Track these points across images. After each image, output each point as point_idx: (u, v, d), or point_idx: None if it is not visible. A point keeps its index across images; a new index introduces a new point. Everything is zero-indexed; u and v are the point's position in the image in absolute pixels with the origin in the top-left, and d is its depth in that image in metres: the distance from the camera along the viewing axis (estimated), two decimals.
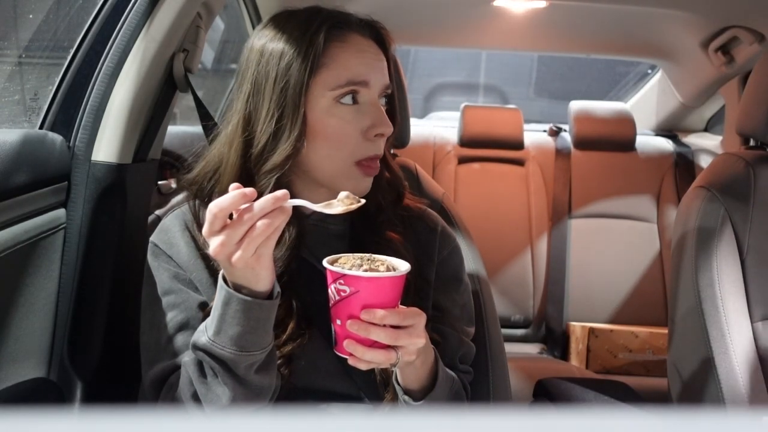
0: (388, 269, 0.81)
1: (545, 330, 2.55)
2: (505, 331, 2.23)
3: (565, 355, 2.45)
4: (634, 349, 2.28)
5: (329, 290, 0.82)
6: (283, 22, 0.95)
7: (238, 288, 0.81)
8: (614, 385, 1.34)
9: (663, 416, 0.27)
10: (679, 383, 1.20)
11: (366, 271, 0.79)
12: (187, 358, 0.88)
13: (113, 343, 1.19)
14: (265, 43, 0.94)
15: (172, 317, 0.94)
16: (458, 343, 1.05)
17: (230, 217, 0.77)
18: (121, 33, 1.16)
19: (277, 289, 0.84)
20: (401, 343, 0.80)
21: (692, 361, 1.15)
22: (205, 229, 0.78)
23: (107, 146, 1.15)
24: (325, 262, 0.82)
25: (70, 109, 1.17)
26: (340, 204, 0.83)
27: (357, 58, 0.93)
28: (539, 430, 0.28)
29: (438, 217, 1.13)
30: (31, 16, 1.42)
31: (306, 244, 0.99)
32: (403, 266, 0.83)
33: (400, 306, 0.83)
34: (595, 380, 1.45)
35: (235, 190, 0.76)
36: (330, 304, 0.82)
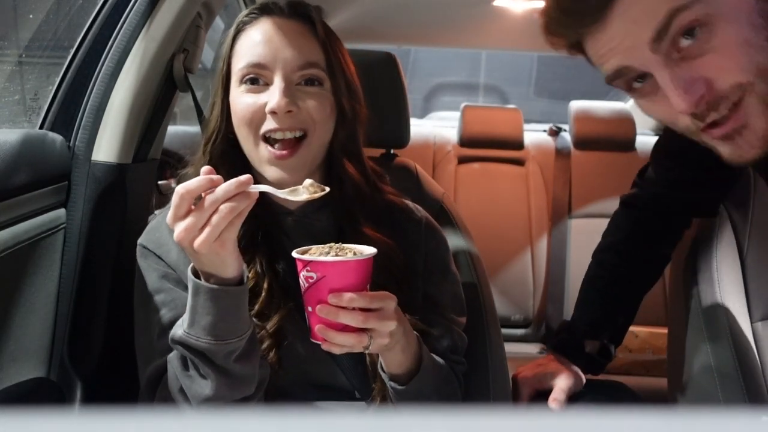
0: (356, 255, 0.82)
1: (545, 330, 2.55)
2: (505, 331, 2.22)
3: None
4: (634, 349, 2.28)
5: (300, 279, 0.83)
6: None
7: (207, 277, 0.82)
8: (614, 385, 1.34)
9: (663, 416, 0.27)
10: (679, 383, 1.20)
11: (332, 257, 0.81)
12: (171, 354, 0.89)
13: (113, 343, 1.19)
14: None
15: (162, 316, 0.95)
16: (448, 333, 1.06)
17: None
18: (121, 33, 1.16)
19: (246, 274, 0.84)
20: (371, 325, 0.81)
21: (692, 361, 1.15)
22: (170, 215, 0.78)
23: (107, 146, 1.15)
24: (294, 253, 0.83)
25: (70, 109, 1.17)
26: (305, 191, 0.84)
27: (255, 43, 0.97)
28: (539, 430, 0.28)
29: (422, 210, 1.14)
30: (31, 16, 1.42)
31: (293, 240, 1.00)
32: (368, 250, 0.84)
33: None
34: (595, 380, 1.45)
35: (205, 175, 0.78)
36: (302, 293, 0.84)
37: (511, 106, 2.90)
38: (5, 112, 1.37)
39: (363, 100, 1.04)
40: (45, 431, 0.27)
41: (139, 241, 1.02)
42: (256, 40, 0.97)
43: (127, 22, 1.16)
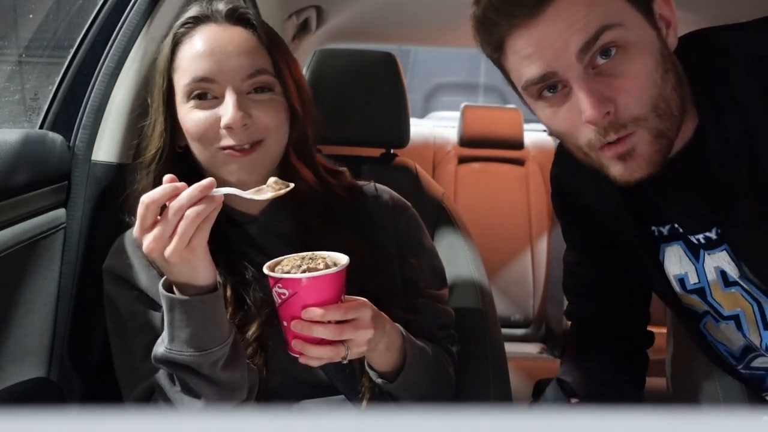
0: (327, 266, 0.81)
1: (545, 330, 2.55)
2: (505, 331, 2.23)
3: None
4: None
5: (273, 294, 0.82)
6: None
7: (181, 287, 0.81)
8: None
9: (663, 416, 0.27)
10: (679, 383, 1.20)
11: (305, 271, 0.80)
12: (158, 373, 0.89)
13: None
14: None
15: (141, 341, 0.94)
16: (434, 314, 1.06)
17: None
18: (121, 33, 1.16)
19: (219, 280, 0.84)
20: (347, 336, 0.81)
21: (691, 361, 1.15)
22: (136, 227, 0.77)
23: (107, 146, 1.15)
24: (265, 268, 0.82)
25: (70, 108, 1.17)
26: (270, 189, 0.83)
27: (197, 55, 0.93)
28: (539, 430, 0.28)
29: (388, 191, 1.12)
30: (31, 16, 1.42)
31: (260, 248, 0.99)
32: (342, 260, 0.83)
33: (347, 297, 0.84)
34: None
35: (167, 183, 0.77)
36: (276, 308, 0.83)
37: (511, 106, 2.90)
38: (5, 112, 1.37)
39: (311, 99, 1.02)
40: (45, 431, 0.27)
41: (105, 266, 1.00)
42: (198, 53, 0.93)
43: (127, 22, 1.16)
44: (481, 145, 2.69)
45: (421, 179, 1.40)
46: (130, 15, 1.16)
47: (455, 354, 1.07)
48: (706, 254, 0.94)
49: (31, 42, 1.42)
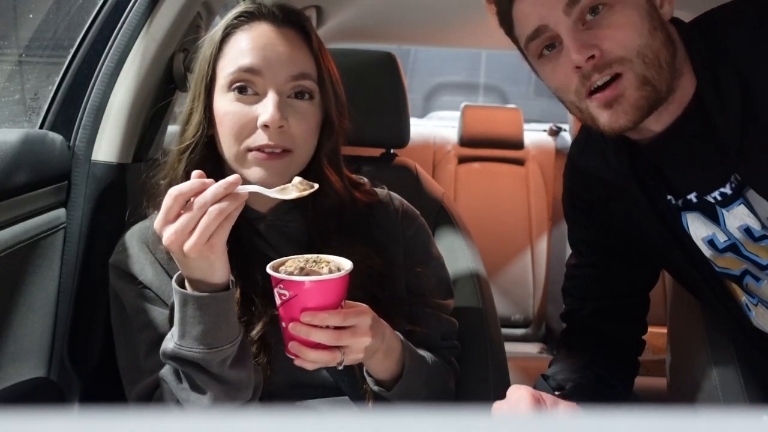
0: (331, 270, 0.81)
1: (545, 329, 2.55)
2: (505, 330, 2.23)
3: None
4: None
5: (275, 294, 0.82)
6: None
7: (195, 284, 0.81)
8: None
9: (663, 416, 0.27)
10: (679, 383, 1.20)
11: (308, 273, 0.80)
12: (164, 369, 0.88)
13: (113, 343, 1.19)
14: None
15: (146, 337, 0.94)
16: (436, 323, 1.05)
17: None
18: (121, 33, 1.16)
19: (232, 278, 0.84)
20: (344, 343, 0.81)
21: (692, 361, 1.15)
22: (158, 219, 0.77)
23: (107, 146, 1.15)
24: (268, 268, 0.82)
25: (70, 108, 1.17)
26: (294, 189, 0.84)
27: (249, 47, 0.93)
28: (539, 430, 0.28)
29: (399, 199, 1.12)
30: (31, 15, 1.42)
31: (267, 246, 1.00)
32: (346, 266, 0.83)
33: (347, 302, 0.84)
34: None
35: (196, 178, 0.77)
36: (277, 308, 0.83)
37: (511, 106, 2.90)
38: (5, 111, 1.37)
39: (347, 111, 1.02)
40: (45, 431, 0.27)
41: (111, 261, 1.00)
42: (247, 46, 0.93)
43: (127, 22, 1.16)
44: (481, 144, 2.69)
45: (421, 179, 1.40)
46: (130, 15, 1.16)
47: (457, 366, 1.07)
48: (725, 213, 0.93)
49: (31, 42, 1.42)
